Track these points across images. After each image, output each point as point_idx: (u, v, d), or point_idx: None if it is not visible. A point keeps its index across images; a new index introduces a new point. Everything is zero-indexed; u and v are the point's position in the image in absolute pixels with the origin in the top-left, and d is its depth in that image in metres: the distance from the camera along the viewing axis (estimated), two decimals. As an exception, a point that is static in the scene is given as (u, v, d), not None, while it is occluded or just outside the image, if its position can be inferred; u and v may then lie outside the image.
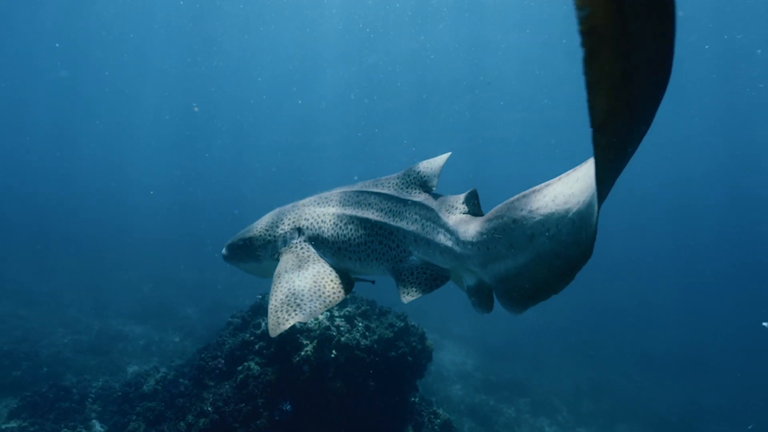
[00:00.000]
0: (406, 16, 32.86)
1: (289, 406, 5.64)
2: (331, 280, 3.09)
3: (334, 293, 3.00)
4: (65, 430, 6.82)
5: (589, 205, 1.67)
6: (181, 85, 43.48)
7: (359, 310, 6.52)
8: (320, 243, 3.39)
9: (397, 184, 3.32)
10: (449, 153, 3.38)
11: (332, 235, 3.37)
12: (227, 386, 5.82)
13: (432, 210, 3.05)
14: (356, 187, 3.51)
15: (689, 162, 44.56)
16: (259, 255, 3.60)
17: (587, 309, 28.11)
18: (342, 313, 6.25)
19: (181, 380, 7.00)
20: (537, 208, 2.10)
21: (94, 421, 7.42)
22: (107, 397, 7.88)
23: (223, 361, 6.10)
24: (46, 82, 41.78)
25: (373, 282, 3.52)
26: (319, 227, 3.43)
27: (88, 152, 55.63)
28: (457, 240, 2.78)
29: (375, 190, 3.37)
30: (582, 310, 27.23)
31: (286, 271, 3.15)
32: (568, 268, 2.00)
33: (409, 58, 37.49)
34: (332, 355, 5.80)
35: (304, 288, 2.98)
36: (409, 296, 2.94)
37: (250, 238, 3.64)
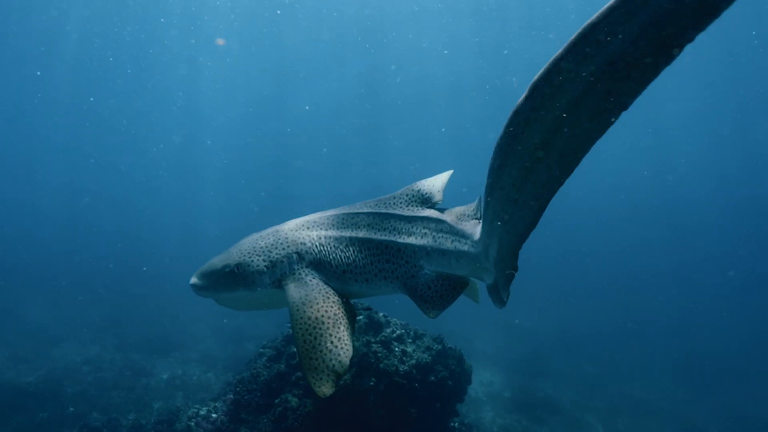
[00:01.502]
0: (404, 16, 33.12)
1: (330, 439, 5.46)
2: (347, 315, 3.04)
3: (349, 329, 2.97)
4: (98, 472, 6.65)
5: None
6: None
7: (394, 335, 6.35)
8: (322, 267, 3.29)
9: (394, 203, 3.41)
10: (451, 171, 3.50)
11: (335, 258, 3.30)
12: (265, 420, 5.65)
13: (443, 221, 3.16)
14: (349, 209, 3.53)
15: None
16: (252, 282, 3.27)
17: (610, 321, 27.58)
18: (378, 339, 6.08)
19: (213, 415, 6.82)
20: None
21: (126, 461, 7.27)
22: (138, 436, 7.73)
23: (259, 394, 5.94)
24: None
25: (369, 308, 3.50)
26: (319, 251, 3.32)
27: (98, 188, 56.14)
28: (475, 243, 2.91)
29: (371, 210, 3.41)
30: (605, 322, 26.76)
31: (304, 314, 2.92)
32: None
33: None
34: (371, 383, 5.62)
35: (332, 337, 2.84)
36: (435, 310, 3.04)
37: (240, 264, 3.28)
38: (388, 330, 6.40)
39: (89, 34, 33.48)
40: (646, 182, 48.53)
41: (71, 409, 10.70)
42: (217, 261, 3.41)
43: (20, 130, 46.83)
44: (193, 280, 3.43)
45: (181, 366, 14.27)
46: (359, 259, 3.28)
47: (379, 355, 5.84)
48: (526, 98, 1.53)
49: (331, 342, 2.79)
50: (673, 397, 17.20)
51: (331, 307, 2.99)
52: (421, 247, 3.18)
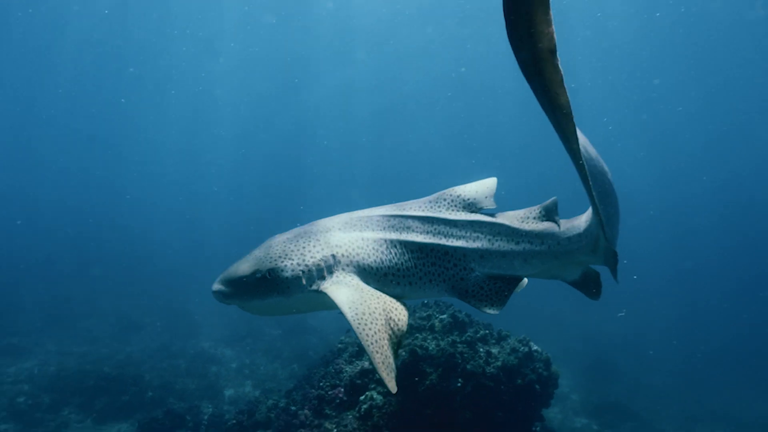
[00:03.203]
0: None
1: (416, 439, 5.36)
2: (397, 309, 3.00)
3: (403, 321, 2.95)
4: (183, 458, 6.85)
5: None
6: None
7: (478, 335, 6.17)
8: (361, 270, 3.18)
9: (432, 207, 3.45)
10: (495, 178, 3.54)
11: (375, 261, 3.21)
12: (350, 417, 5.61)
13: (502, 225, 3.33)
14: (384, 211, 3.46)
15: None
16: (288, 287, 3.09)
17: (683, 326, 26.21)
18: (463, 339, 5.92)
19: (293, 408, 6.88)
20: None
21: (209, 448, 7.46)
22: (219, 424, 7.92)
23: (343, 390, 5.91)
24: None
25: None
26: (357, 254, 3.20)
27: (164, 177, 58.52)
28: (561, 241, 3.30)
29: (410, 213, 3.40)
30: (677, 327, 25.45)
31: (358, 311, 2.86)
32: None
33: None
34: (458, 384, 5.47)
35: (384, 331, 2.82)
36: (494, 307, 3.17)
37: (273, 269, 3.08)
38: (472, 330, 6.23)
39: (101, 21, 34.24)
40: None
41: (150, 393, 11.15)
42: (245, 266, 3.17)
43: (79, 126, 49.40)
44: (217, 287, 3.18)
45: (249, 356, 14.63)
46: (403, 262, 3.25)
47: (465, 355, 5.68)
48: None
49: (390, 339, 2.77)
50: (757, 410, 16.10)
51: (381, 301, 2.95)
52: (474, 250, 3.28)
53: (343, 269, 3.16)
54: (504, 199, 3.66)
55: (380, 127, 49.60)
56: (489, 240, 3.30)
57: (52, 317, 17.15)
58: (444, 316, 6.24)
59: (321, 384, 6.17)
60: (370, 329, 2.75)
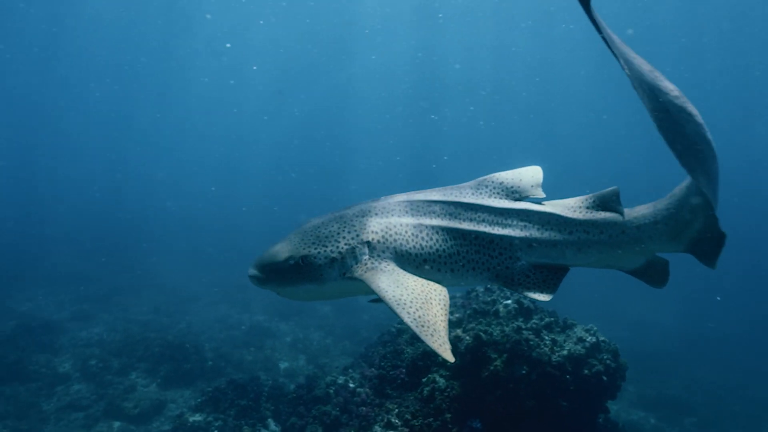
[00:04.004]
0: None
1: (479, 424, 5.32)
2: (436, 291, 2.99)
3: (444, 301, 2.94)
4: (246, 427, 7.11)
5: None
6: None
7: (543, 322, 6.04)
8: (398, 256, 3.14)
9: (475, 194, 3.40)
10: (539, 167, 3.49)
11: (414, 247, 3.18)
12: (411, 398, 5.63)
13: (551, 213, 3.27)
14: (422, 196, 3.40)
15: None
16: (321, 275, 3.07)
17: (745, 319, 24.92)
18: (529, 325, 5.80)
19: (351, 385, 6.98)
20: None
21: (269, 420, 7.70)
22: (279, 396, 8.16)
23: (404, 370, 5.94)
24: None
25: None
26: (395, 240, 3.16)
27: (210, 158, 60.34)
28: (627, 230, 3.23)
29: (451, 199, 3.34)
30: (738, 319, 24.22)
31: (396, 293, 2.84)
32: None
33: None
34: (523, 371, 5.38)
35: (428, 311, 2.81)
36: (544, 294, 3.16)
37: (307, 256, 3.05)
38: (537, 317, 6.10)
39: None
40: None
41: (210, 363, 11.61)
42: (279, 251, 3.13)
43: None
44: (253, 271, 3.16)
45: (302, 330, 14.97)
46: (444, 249, 3.20)
47: (531, 343, 5.57)
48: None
49: (434, 314, 2.75)
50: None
51: (419, 283, 2.95)
52: (522, 239, 3.23)
53: (378, 255, 3.11)
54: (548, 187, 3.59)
55: (420, 108, 49.36)
56: (538, 229, 3.25)
57: (116, 286, 18.08)
58: (509, 301, 6.13)
59: (382, 364, 6.22)
60: (410, 307, 2.73)
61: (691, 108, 2.56)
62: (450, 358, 2.58)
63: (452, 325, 6.11)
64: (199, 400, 8.03)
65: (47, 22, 35.81)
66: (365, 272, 3.02)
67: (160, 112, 53.60)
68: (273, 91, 47.89)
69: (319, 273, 3.06)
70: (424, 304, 2.78)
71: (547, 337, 5.81)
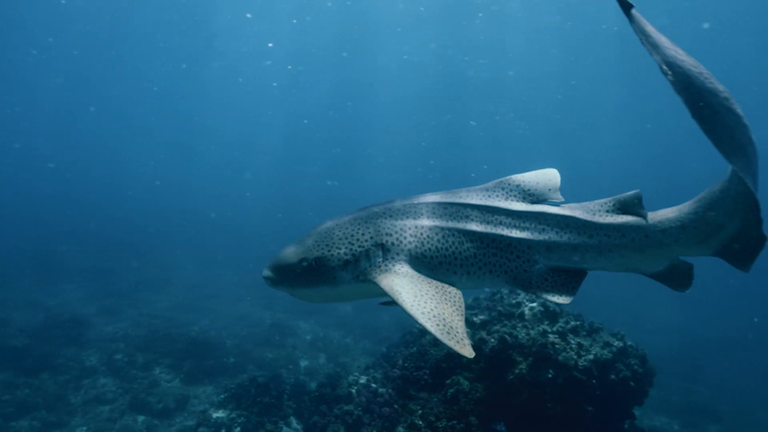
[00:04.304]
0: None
1: (503, 427, 5.28)
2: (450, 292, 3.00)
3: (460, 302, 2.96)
4: (269, 425, 7.17)
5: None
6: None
7: (568, 325, 5.97)
8: (413, 258, 3.13)
9: (491, 196, 3.39)
10: (555, 169, 3.48)
11: (429, 249, 3.17)
12: (435, 400, 5.61)
13: (571, 217, 3.24)
14: (439, 198, 3.40)
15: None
16: (334, 278, 3.07)
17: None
18: (555, 329, 5.74)
19: (373, 385, 6.98)
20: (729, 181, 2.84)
21: (291, 418, 7.76)
22: (300, 394, 8.21)
23: (428, 372, 5.92)
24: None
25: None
26: (409, 242, 3.16)
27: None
28: (651, 233, 3.16)
29: (470, 201, 3.34)
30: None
31: (408, 294, 2.85)
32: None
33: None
34: (549, 375, 5.32)
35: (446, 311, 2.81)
36: (563, 298, 3.12)
37: (320, 258, 3.06)
38: (562, 320, 6.03)
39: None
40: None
41: (231, 359, 11.74)
42: (292, 253, 3.14)
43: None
44: (267, 273, 3.18)
45: (322, 329, 15.04)
46: (460, 252, 3.19)
47: (557, 346, 5.51)
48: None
49: (450, 313, 2.77)
50: None
51: (434, 285, 2.96)
52: (540, 242, 3.21)
53: (392, 258, 3.12)
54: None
55: (440, 109, 49.27)
56: (557, 232, 3.23)
57: (141, 282, 18.39)
58: (534, 304, 6.07)
59: (405, 365, 6.21)
60: (424, 307, 2.74)
61: (740, 109, 2.50)
62: (469, 353, 2.56)
63: (477, 327, 6.08)
64: (222, 396, 8.10)
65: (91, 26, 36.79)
66: (378, 275, 3.03)
67: (181, 114, 54.54)
68: (298, 92, 48.36)
69: (332, 275, 3.07)
70: (438, 305, 2.79)
71: (573, 341, 5.74)
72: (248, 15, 35.65)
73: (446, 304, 2.82)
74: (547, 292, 3.15)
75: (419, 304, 2.76)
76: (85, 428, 8.95)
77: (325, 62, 42.31)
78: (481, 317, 6.32)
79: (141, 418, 9.37)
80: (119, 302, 15.71)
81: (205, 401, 10.01)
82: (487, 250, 3.21)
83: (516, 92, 43.70)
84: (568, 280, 3.20)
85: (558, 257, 3.23)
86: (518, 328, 5.72)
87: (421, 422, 5.38)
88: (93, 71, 43.29)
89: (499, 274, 3.23)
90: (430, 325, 2.64)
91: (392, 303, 3.15)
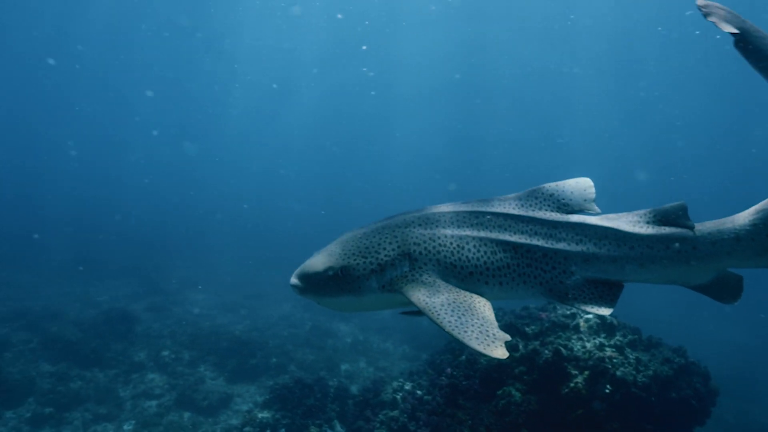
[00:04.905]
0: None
1: (557, 443, 5.11)
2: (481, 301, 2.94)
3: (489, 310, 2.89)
4: (313, 427, 7.18)
5: None
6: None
7: (626, 339, 5.74)
8: (443, 268, 3.08)
9: (524, 206, 3.33)
10: (588, 178, 3.39)
11: (459, 259, 3.10)
12: (485, 410, 5.49)
13: (609, 228, 3.17)
14: (469, 207, 3.34)
15: None
16: (359, 287, 3.04)
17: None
18: (612, 342, 5.53)
19: (419, 392, 6.90)
20: None
21: (335, 421, 7.76)
22: (344, 398, 8.21)
23: (477, 381, 5.80)
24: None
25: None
26: (438, 251, 3.10)
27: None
28: (700, 245, 3.06)
29: (503, 211, 3.29)
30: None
31: (436, 302, 2.79)
32: None
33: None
34: (606, 391, 5.12)
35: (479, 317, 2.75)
36: (602, 309, 3.05)
37: (345, 267, 3.03)
38: (620, 333, 5.80)
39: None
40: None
41: (274, 359, 11.85)
42: (318, 262, 3.13)
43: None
44: (294, 281, 3.18)
45: (362, 332, 15.03)
46: (493, 262, 3.13)
47: (615, 360, 5.30)
48: None
49: (480, 317, 2.71)
50: None
51: (462, 294, 2.91)
52: (578, 254, 3.16)
53: (420, 268, 3.07)
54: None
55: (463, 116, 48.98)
56: (595, 244, 3.18)
57: (185, 281, 18.85)
58: (590, 315, 5.87)
59: (454, 373, 6.10)
60: (452, 316, 2.68)
61: None
62: (502, 354, 2.46)
63: (529, 337, 5.92)
64: (267, 396, 8.18)
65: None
66: (405, 285, 2.99)
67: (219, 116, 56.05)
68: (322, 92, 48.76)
69: (357, 285, 3.05)
70: (466, 312, 2.74)
71: (631, 356, 5.51)
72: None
73: (474, 310, 2.77)
74: (585, 303, 3.10)
75: (445, 313, 2.71)
76: (133, 422, 9.19)
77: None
78: (533, 327, 6.15)
79: (187, 414, 9.56)
80: (164, 300, 16.14)
81: (249, 400, 10.14)
82: (521, 261, 3.16)
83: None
84: (606, 292, 3.15)
85: (596, 269, 3.18)
86: (573, 340, 5.54)
87: (470, 433, 5.28)
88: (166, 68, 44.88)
89: (534, 285, 3.18)
90: (456, 333, 2.59)
91: (416, 312, 3.15)
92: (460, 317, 2.68)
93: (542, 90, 43.46)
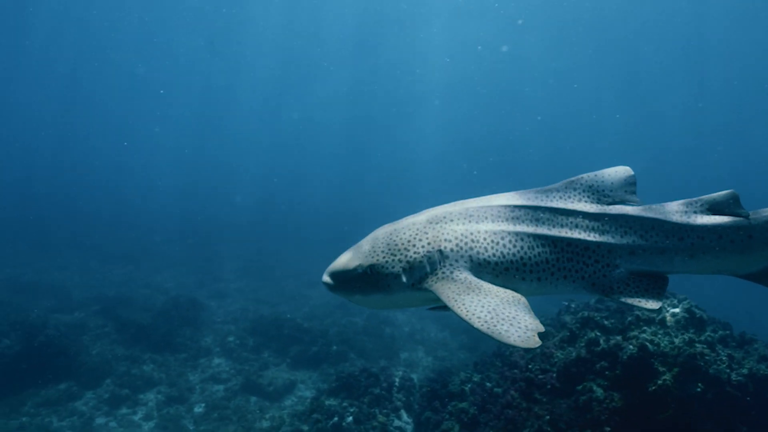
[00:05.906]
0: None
1: (644, 442, 4.87)
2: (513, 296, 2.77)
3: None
4: (380, 416, 7.18)
5: None
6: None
7: (717, 335, 5.40)
8: (475, 265, 2.96)
9: (562, 197, 3.22)
10: (628, 167, 3.26)
11: (494, 254, 2.99)
12: (564, 406, 5.29)
13: (655, 219, 3.06)
14: (503, 200, 3.22)
15: None
16: (388, 285, 2.96)
17: None
18: (702, 338, 5.20)
19: (488, 384, 6.77)
20: None
21: (402, 411, 7.75)
22: (410, 388, 8.19)
23: (554, 376, 5.61)
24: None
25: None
26: (471, 248, 2.98)
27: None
28: (756, 233, 2.97)
29: (540, 204, 3.17)
30: None
31: (465, 301, 2.64)
32: None
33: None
34: (698, 389, 4.82)
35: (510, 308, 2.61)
36: (650, 303, 2.94)
37: (374, 265, 2.98)
38: (710, 329, 5.47)
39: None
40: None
41: (334, 347, 11.98)
42: (348, 259, 3.09)
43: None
44: (326, 278, 3.16)
45: (419, 321, 15.00)
46: (531, 257, 3.02)
47: (707, 357, 4.98)
48: None
49: (514, 309, 2.58)
50: None
51: (494, 290, 2.74)
52: (623, 246, 3.05)
53: (451, 264, 2.95)
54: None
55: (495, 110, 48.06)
56: (641, 235, 3.07)
57: (247, 269, 19.37)
58: (677, 309, 5.55)
59: (529, 366, 5.93)
60: (482, 312, 2.54)
61: None
62: (535, 343, 2.34)
63: (610, 332, 5.66)
64: (333, 384, 8.26)
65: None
66: (435, 282, 2.89)
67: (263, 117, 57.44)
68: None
69: (386, 283, 2.98)
70: (498, 306, 2.59)
71: (722, 353, 5.18)
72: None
73: (508, 305, 2.63)
74: (632, 297, 2.98)
75: (476, 310, 2.57)
76: (204, 404, 9.52)
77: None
78: (611, 321, 5.88)
79: (253, 398, 9.81)
80: (228, 287, 16.64)
81: (312, 386, 10.30)
82: (561, 255, 3.06)
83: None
84: (651, 285, 3.04)
85: (642, 261, 3.07)
86: (659, 335, 5.25)
87: (549, 428, 5.11)
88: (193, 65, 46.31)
89: (576, 280, 3.06)
90: (486, 329, 2.44)
91: (443, 308, 3.05)
92: (490, 312, 2.56)
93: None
